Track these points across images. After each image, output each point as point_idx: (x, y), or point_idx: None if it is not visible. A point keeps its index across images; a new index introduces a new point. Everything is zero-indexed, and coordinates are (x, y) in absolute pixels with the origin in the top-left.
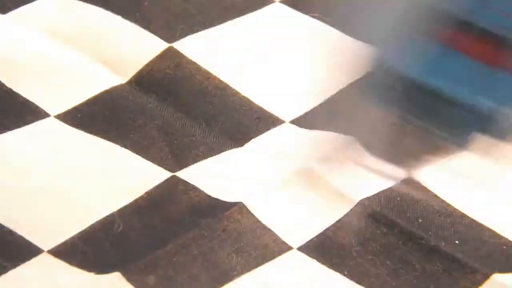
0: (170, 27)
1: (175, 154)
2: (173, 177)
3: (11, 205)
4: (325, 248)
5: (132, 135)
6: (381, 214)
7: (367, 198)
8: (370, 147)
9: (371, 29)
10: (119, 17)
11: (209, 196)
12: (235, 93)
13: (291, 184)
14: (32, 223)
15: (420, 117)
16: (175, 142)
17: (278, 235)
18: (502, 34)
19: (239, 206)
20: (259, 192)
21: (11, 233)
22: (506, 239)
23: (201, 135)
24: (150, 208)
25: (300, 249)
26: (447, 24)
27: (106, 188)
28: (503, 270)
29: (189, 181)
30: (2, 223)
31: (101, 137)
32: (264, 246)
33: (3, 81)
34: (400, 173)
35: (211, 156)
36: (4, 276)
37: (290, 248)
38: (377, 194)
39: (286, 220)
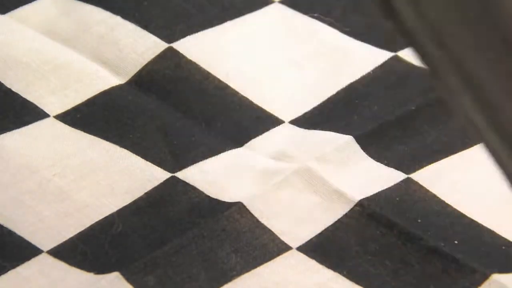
0: (170, 27)
1: (175, 155)
2: (173, 177)
3: (11, 205)
4: (324, 248)
5: (132, 135)
6: (381, 214)
7: (367, 198)
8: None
9: None
10: (118, 17)
11: (209, 197)
12: (235, 93)
13: (291, 184)
14: (31, 224)
15: None
16: (175, 142)
17: (278, 235)
18: None
19: (239, 206)
20: (258, 192)
21: (10, 233)
22: (506, 239)
23: (201, 135)
24: (150, 208)
25: (299, 249)
26: None
27: (106, 188)
28: (503, 270)
29: (188, 181)
30: (2, 223)
31: (101, 137)
32: (263, 246)
33: (2, 81)
34: (399, 173)
35: (211, 156)
36: (3, 276)
37: (289, 248)
38: (376, 194)
39: (286, 220)
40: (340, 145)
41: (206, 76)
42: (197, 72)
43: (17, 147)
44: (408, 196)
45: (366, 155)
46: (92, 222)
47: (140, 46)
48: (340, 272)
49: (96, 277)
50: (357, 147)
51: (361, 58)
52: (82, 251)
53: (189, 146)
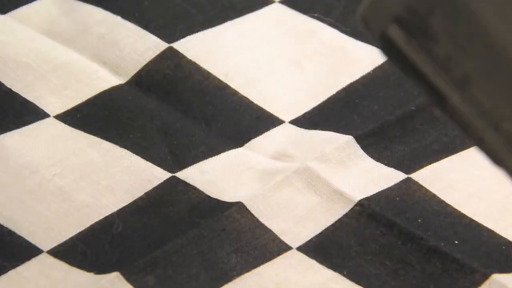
0: (170, 27)
1: (175, 155)
2: (173, 177)
3: (11, 205)
4: (324, 248)
5: (132, 135)
6: (381, 214)
7: (367, 198)
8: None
9: None
10: (119, 17)
11: (209, 197)
12: (235, 93)
13: (291, 184)
14: (32, 223)
15: None
16: (175, 142)
17: (278, 235)
18: None
19: (239, 206)
20: (258, 192)
21: (11, 233)
22: (506, 239)
23: (201, 135)
24: (150, 208)
25: (299, 249)
26: None
27: (106, 188)
28: (503, 270)
29: (188, 181)
30: (2, 223)
31: (101, 137)
32: (263, 246)
33: (2, 81)
34: (399, 173)
35: (211, 156)
36: (3, 276)
37: (289, 248)
38: (376, 194)
39: (286, 220)
40: (340, 145)
41: (206, 76)
42: (197, 72)
43: (17, 147)
44: (408, 196)
45: (366, 155)
46: (92, 222)
47: (140, 46)
48: (340, 272)
49: (96, 277)
50: (357, 147)
51: (361, 58)
52: (82, 251)
53: (189, 146)
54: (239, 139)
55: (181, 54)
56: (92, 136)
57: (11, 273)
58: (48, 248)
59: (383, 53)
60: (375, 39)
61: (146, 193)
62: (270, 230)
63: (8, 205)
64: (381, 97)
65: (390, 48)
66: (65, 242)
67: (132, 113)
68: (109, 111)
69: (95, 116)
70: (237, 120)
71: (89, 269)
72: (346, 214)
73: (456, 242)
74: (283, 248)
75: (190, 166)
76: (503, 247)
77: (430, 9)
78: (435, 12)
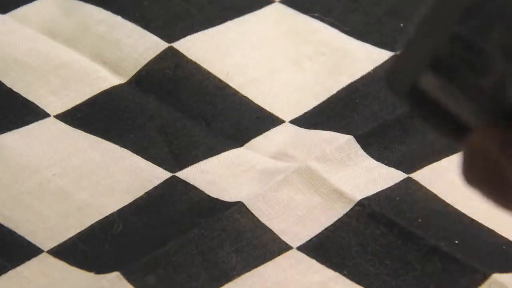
0: (170, 27)
1: (175, 154)
2: (173, 177)
3: (11, 205)
4: (324, 248)
5: (132, 135)
6: (381, 214)
7: (367, 198)
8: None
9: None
10: (119, 17)
11: (209, 196)
12: (235, 93)
13: (291, 184)
14: (32, 223)
15: None
16: (175, 142)
17: (278, 234)
18: None
19: (239, 206)
20: (259, 192)
21: (11, 233)
22: (506, 239)
23: (201, 135)
24: (150, 208)
25: (300, 248)
26: None
27: (106, 188)
28: (503, 270)
29: (188, 181)
30: (2, 223)
31: (101, 137)
32: (263, 246)
33: (2, 81)
34: (399, 173)
35: (211, 156)
36: (4, 276)
37: (289, 247)
38: (377, 194)
39: (286, 220)
40: (340, 144)
41: (206, 76)
42: (197, 72)
43: (17, 147)
44: (408, 196)
45: (366, 154)
46: (93, 222)
47: (140, 45)
48: (341, 272)
49: (96, 277)
50: (357, 146)
51: (361, 58)
52: (82, 251)
53: (189, 146)
54: (239, 139)
55: (181, 54)
56: (92, 136)
57: (11, 273)
58: (48, 248)
59: (412, 109)
60: (402, 100)
61: (147, 193)
62: (270, 230)
63: (8, 205)
64: (381, 97)
65: (420, 101)
66: (65, 242)
67: (132, 113)
68: (109, 111)
69: (95, 116)
70: (237, 120)
71: (89, 269)
72: (346, 214)
73: (456, 242)
74: (283, 248)
75: (190, 166)
76: (503, 247)
77: (488, 25)
78: (494, 28)
